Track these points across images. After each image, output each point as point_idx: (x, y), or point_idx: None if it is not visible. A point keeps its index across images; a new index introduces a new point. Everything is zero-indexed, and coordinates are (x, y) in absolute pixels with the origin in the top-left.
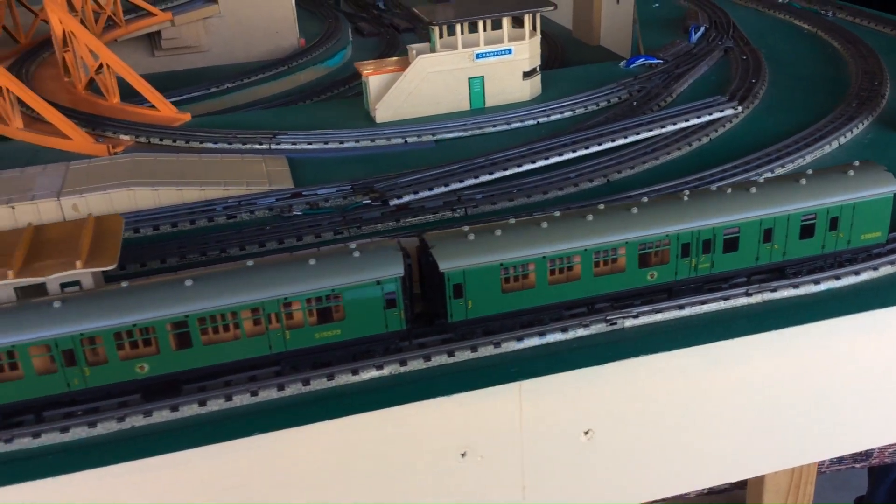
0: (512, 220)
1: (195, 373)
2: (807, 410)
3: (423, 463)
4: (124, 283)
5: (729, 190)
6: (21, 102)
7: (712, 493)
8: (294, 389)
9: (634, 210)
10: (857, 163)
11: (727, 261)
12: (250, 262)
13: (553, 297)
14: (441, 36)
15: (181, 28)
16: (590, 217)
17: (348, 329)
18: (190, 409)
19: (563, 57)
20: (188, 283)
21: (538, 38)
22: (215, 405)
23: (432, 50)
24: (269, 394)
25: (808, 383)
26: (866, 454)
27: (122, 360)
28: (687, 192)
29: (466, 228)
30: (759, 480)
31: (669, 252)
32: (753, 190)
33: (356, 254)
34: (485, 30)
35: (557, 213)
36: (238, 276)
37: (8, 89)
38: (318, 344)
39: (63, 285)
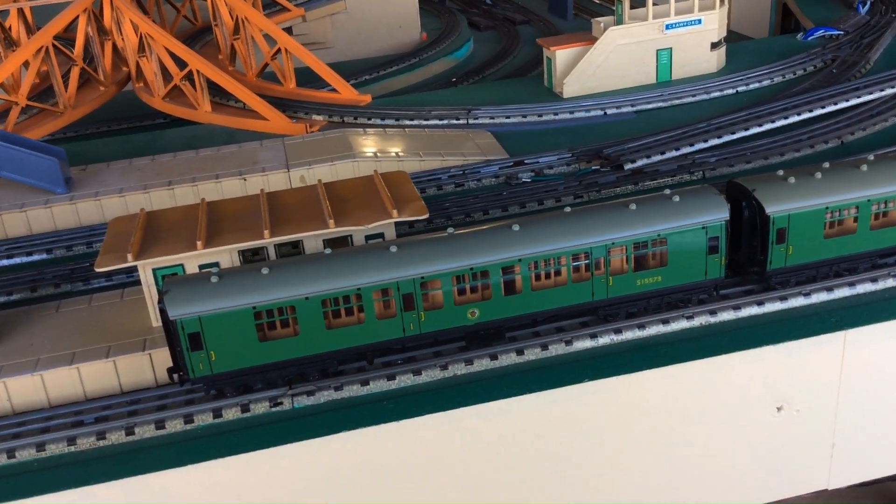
0: (826, 164)
1: (519, 320)
2: None
3: (738, 416)
4: (450, 230)
5: None
6: (209, 87)
7: (864, 485)
8: (607, 339)
9: None
10: None
11: None
12: (568, 209)
13: (872, 244)
14: (628, 7)
15: (311, 24)
16: None
17: (669, 276)
18: (508, 359)
19: None
20: (515, 227)
21: (727, 7)
22: (532, 354)
23: (619, 22)
24: (582, 344)
25: None
26: None
27: (456, 306)
28: None
29: (782, 172)
30: None
31: None
32: None
33: (676, 199)
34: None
35: (871, 157)
36: (561, 221)
37: (199, 71)
38: (638, 291)
39: (368, 237)
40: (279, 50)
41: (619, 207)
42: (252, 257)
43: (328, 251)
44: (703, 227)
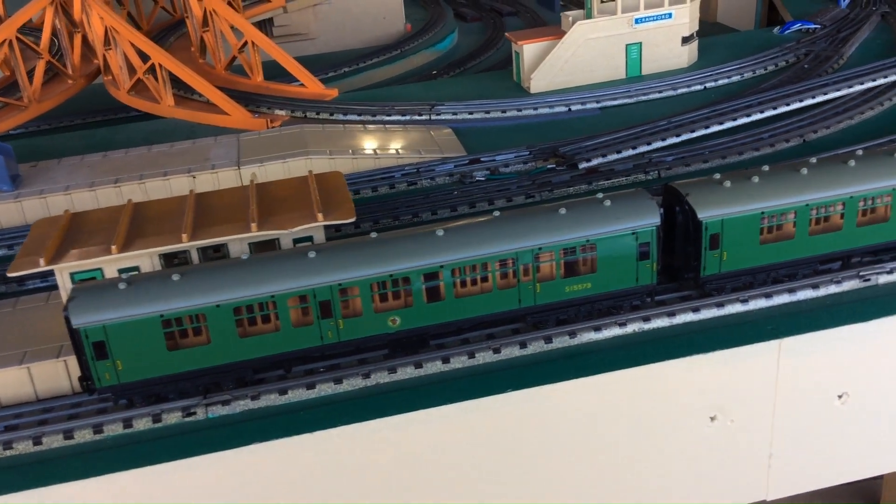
0: (766, 168)
1: (442, 328)
2: None
3: (670, 426)
4: (374, 234)
5: None
6: (172, 81)
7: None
8: (536, 347)
9: None
10: None
11: None
12: (497, 213)
13: (811, 251)
14: (599, 1)
15: (292, 15)
16: (852, 163)
17: (598, 282)
18: (434, 367)
19: None
20: (439, 232)
21: (698, 1)
22: (458, 362)
23: (588, 16)
24: (511, 351)
25: None
26: None
27: (376, 313)
28: None
29: (719, 176)
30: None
31: None
32: None
33: (607, 203)
34: None
35: (814, 160)
36: (489, 226)
37: (161, 66)
38: (566, 298)
39: (296, 241)
40: (246, 43)
41: (547, 212)
42: (174, 262)
43: (245, 256)
44: (634, 233)
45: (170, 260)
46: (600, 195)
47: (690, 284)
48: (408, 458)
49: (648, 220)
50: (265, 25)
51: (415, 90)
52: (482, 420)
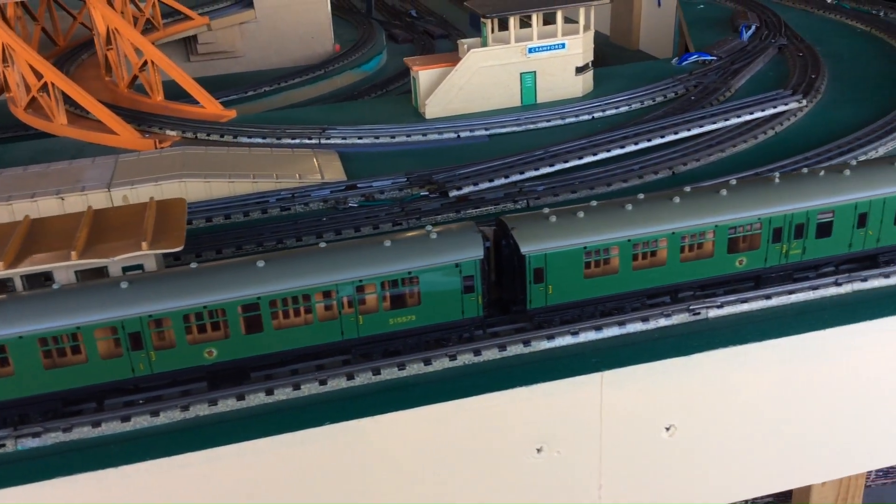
0: (594, 203)
1: (264, 360)
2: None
3: (496, 458)
4: (193, 265)
5: (822, 172)
6: (65, 99)
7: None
8: (364, 379)
9: (723, 192)
10: None
11: (819, 247)
12: (323, 244)
13: (636, 285)
14: (493, 30)
15: (217, 33)
16: (676, 199)
17: (423, 315)
18: (257, 398)
19: (601, 62)
20: (260, 264)
21: (591, 32)
22: (283, 394)
23: (484, 44)
24: (338, 383)
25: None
26: None
27: (190, 345)
28: (778, 175)
29: (547, 210)
30: (806, 492)
31: (760, 237)
32: (847, 172)
33: (433, 235)
34: (538, 24)
35: (642, 196)
36: (311, 257)
37: (53, 84)
38: (391, 331)
39: (126, 269)
40: (146, 62)
41: (373, 244)
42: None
43: (56, 286)
44: (457, 266)
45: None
46: (429, 227)
47: (522, 317)
48: (224, 493)
49: (472, 253)
50: (189, 43)
51: (313, 113)
52: (304, 453)
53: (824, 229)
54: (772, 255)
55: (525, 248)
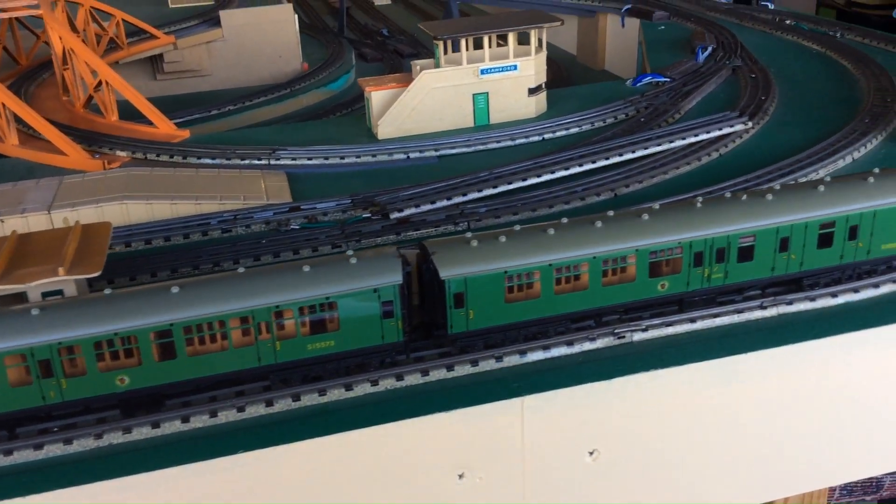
0: (517, 227)
1: (179, 387)
2: (820, 431)
3: (418, 485)
4: (107, 291)
5: (744, 197)
6: (17, 119)
7: None
8: (283, 405)
9: (645, 217)
10: (877, 169)
11: (742, 271)
12: (241, 269)
13: (559, 309)
14: (446, 52)
15: (184, 52)
16: (598, 224)
17: (342, 340)
18: (172, 426)
19: (567, 81)
20: (174, 290)
21: (544, 54)
22: (199, 421)
23: (437, 65)
24: (256, 409)
25: (821, 401)
26: (877, 485)
27: (101, 372)
28: (700, 199)
29: (469, 235)
30: None
31: (682, 261)
32: (770, 197)
33: (353, 260)
34: (490, 46)
35: (565, 220)
36: (227, 283)
37: (4, 105)
38: (310, 356)
39: (45, 294)
40: (101, 82)
41: (291, 269)
42: None
43: None
44: (376, 291)
45: None
46: (349, 252)
47: (445, 342)
48: None
49: (390, 278)
50: (156, 62)
51: (266, 134)
52: (221, 481)
53: (746, 253)
54: (694, 279)
55: (444, 273)
